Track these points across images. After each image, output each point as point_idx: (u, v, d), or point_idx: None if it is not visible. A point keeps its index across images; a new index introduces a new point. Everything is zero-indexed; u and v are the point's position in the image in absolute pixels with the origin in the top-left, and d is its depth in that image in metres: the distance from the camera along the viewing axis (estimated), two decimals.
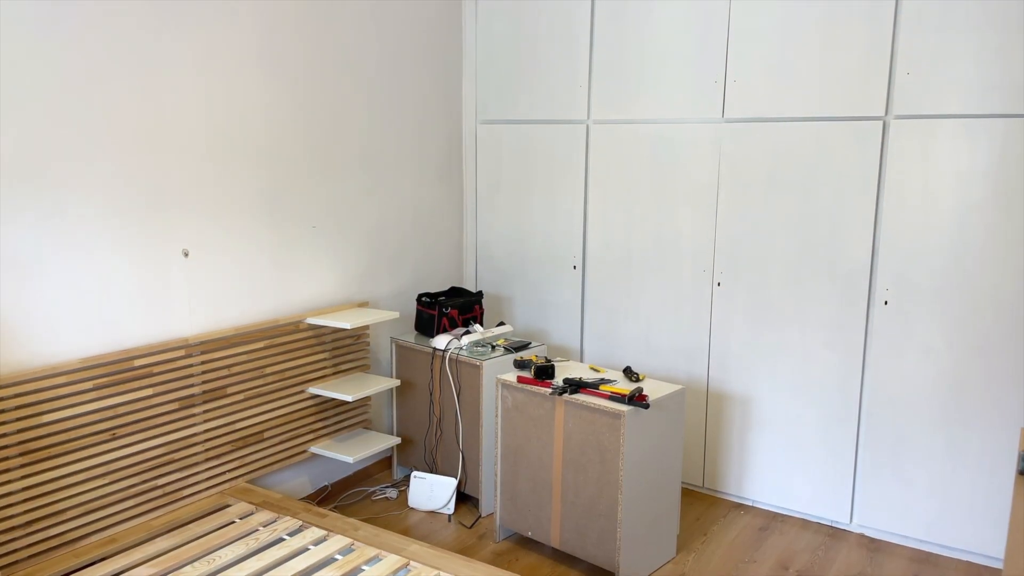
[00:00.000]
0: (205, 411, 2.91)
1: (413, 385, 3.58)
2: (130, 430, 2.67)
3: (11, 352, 2.40)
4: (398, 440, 3.51)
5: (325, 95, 3.34)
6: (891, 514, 3.14)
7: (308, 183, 3.31)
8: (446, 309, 3.56)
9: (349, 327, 3.18)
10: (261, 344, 3.08)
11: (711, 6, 3.30)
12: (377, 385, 3.34)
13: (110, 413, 2.61)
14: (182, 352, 2.81)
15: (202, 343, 2.88)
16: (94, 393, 2.56)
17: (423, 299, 3.64)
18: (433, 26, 3.86)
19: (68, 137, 2.48)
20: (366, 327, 3.53)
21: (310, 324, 3.26)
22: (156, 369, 2.73)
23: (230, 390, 2.99)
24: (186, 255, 2.86)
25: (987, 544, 2.97)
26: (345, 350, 3.45)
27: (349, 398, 3.18)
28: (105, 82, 2.56)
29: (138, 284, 2.72)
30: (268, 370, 3.12)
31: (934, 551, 3.09)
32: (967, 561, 3.03)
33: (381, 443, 3.40)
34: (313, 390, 3.27)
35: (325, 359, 3.36)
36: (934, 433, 3.02)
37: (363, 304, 3.58)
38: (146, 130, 2.70)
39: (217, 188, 2.95)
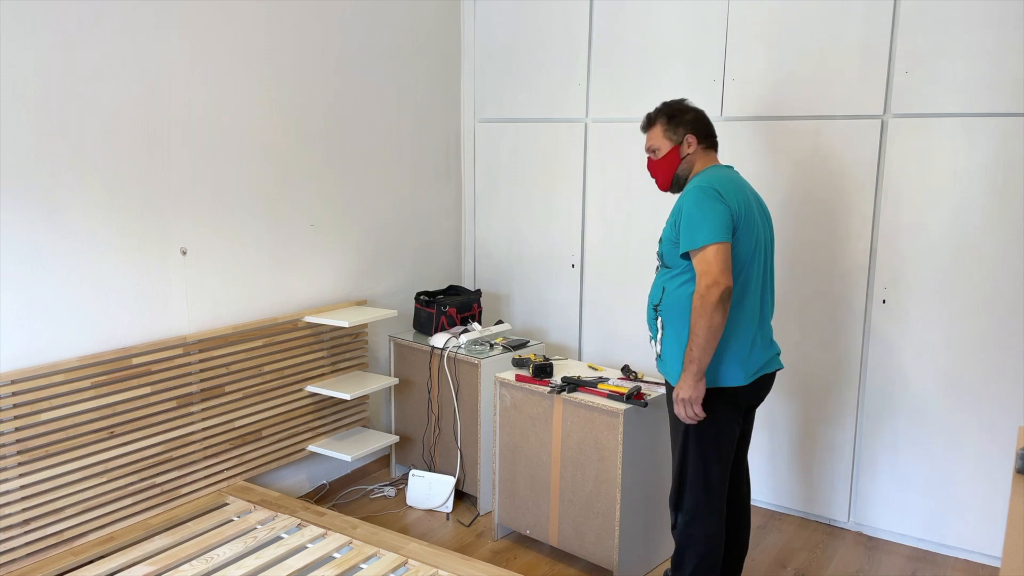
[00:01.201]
0: (203, 409, 2.90)
1: (411, 383, 3.58)
2: (128, 428, 2.67)
3: (9, 350, 2.40)
4: (396, 439, 3.51)
5: (323, 93, 3.33)
6: (889, 512, 3.15)
7: (306, 181, 3.30)
8: (445, 307, 3.56)
9: (347, 325, 3.18)
10: (259, 342, 3.08)
11: (709, 5, 3.30)
12: (375, 383, 3.34)
13: (108, 411, 2.61)
14: (180, 350, 2.81)
15: (200, 341, 2.87)
16: (92, 391, 2.56)
17: (421, 297, 3.64)
18: (432, 24, 3.86)
19: (66, 135, 2.48)
20: (364, 325, 3.53)
21: (308, 322, 3.26)
22: (154, 367, 2.73)
23: (228, 388, 2.98)
24: (184, 254, 2.86)
25: (985, 542, 2.97)
26: (343, 348, 3.45)
27: (347, 396, 3.18)
28: (103, 80, 2.55)
29: (136, 282, 2.72)
30: (266, 368, 3.12)
31: (932, 549, 3.10)
32: (965, 559, 3.03)
33: (379, 442, 3.40)
34: (311, 388, 3.27)
35: (323, 357, 3.36)
36: (932, 431, 3.02)
37: (361, 302, 3.58)
38: (144, 128, 2.69)
39: (215, 186, 2.95)
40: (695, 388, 2.25)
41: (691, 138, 2.44)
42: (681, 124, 2.45)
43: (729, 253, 2.23)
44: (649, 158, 2.54)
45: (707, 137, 2.47)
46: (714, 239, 2.21)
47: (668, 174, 2.49)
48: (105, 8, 2.53)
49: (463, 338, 3.40)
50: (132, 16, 2.61)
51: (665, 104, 2.52)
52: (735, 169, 2.54)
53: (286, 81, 3.16)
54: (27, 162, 2.39)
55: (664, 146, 2.47)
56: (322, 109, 3.33)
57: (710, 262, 2.20)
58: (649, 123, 2.53)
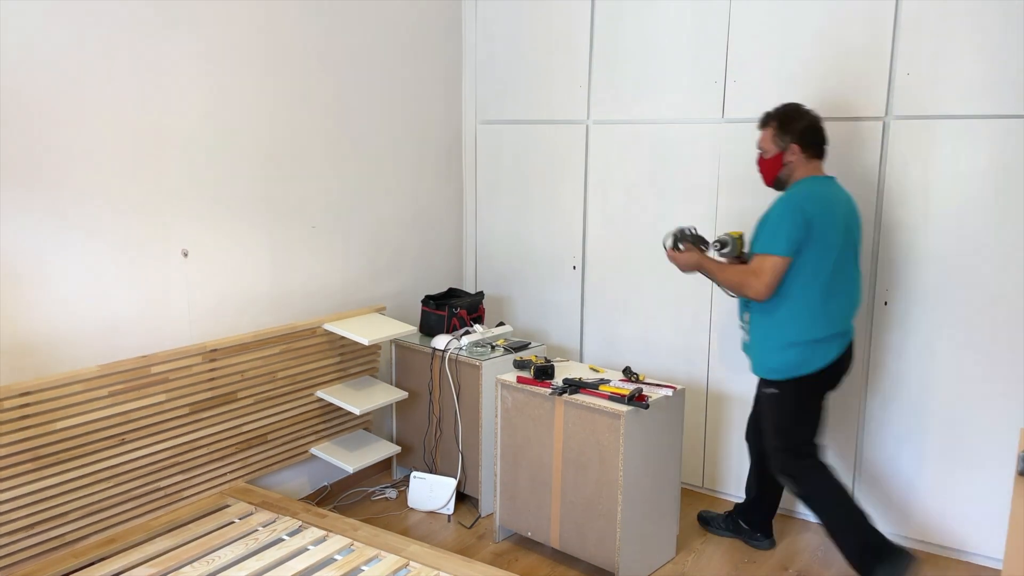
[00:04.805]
0: (213, 415, 2.90)
1: (413, 385, 3.58)
2: (139, 435, 2.67)
3: (20, 360, 2.40)
4: (398, 449, 3.49)
5: (325, 95, 3.33)
6: (890, 514, 3.14)
7: (307, 183, 3.30)
8: (456, 309, 3.56)
9: (367, 342, 3.16)
10: (277, 350, 3.08)
11: (711, 6, 3.30)
12: (384, 394, 3.35)
13: (122, 419, 2.61)
14: (199, 359, 2.81)
15: (218, 349, 2.88)
16: (109, 400, 2.56)
17: (430, 302, 3.62)
18: (433, 26, 3.86)
19: (67, 136, 2.48)
20: None
21: (326, 330, 3.25)
22: (172, 375, 2.73)
23: (240, 394, 2.99)
24: (185, 255, 2.86)
25: (986, 544, 2.97)
26: (354, 354, 3.45)
27: (357, 411, 3.17)
28: (104, 82, 2.56)
29: (142, 288, 2.72)
30: (279, 375, 3.12)
31: (933, 551, 3.09)
32: (966, 561, 3.03)
33: (381, 451, 3.38)
34: (321, 395, 3.26)
35: (334, 363, 3.35)
36: (933, 433, 3.02)
37: (380, 308, 3.56)
38: (146, 130, 2.69)
39: (218, 188, 2.95)
40: (692, 268, 2.84)
41: (795, 147, 2.68)
42: (789, 132, 2.68)
43: (784, 268, 2.60)
44: (759, 155, 2.79)
45: (812, 147, 2.70)
46: (777, 252, 2.59)
47: (772, 174, 2.77)
48: (107, 8, 2.54)
49: (464, 340, 3.40)
50: (134, 16, 2.61)
51: (781, 108, 2.73)
52: (835, 181, 2.77)
53: (288, 82, 3.17)
54: (29, 164, 2.39)
55: (771, 150, 2.73)
56: (324, 110, 3.34)
57: (765, 270, 2.60)
58: (763, 124, 2.76)
